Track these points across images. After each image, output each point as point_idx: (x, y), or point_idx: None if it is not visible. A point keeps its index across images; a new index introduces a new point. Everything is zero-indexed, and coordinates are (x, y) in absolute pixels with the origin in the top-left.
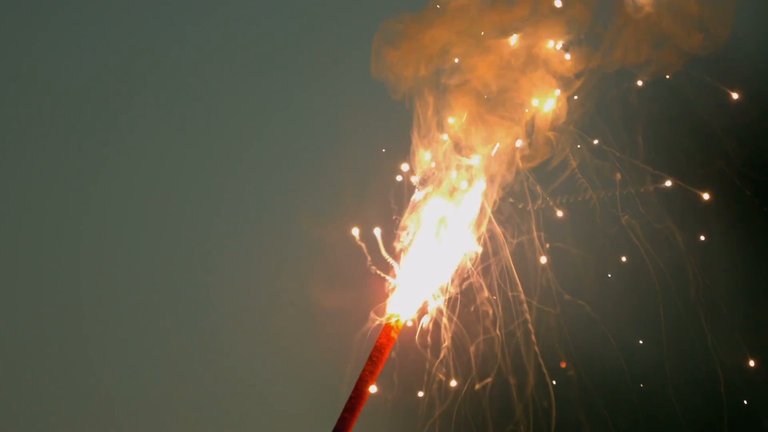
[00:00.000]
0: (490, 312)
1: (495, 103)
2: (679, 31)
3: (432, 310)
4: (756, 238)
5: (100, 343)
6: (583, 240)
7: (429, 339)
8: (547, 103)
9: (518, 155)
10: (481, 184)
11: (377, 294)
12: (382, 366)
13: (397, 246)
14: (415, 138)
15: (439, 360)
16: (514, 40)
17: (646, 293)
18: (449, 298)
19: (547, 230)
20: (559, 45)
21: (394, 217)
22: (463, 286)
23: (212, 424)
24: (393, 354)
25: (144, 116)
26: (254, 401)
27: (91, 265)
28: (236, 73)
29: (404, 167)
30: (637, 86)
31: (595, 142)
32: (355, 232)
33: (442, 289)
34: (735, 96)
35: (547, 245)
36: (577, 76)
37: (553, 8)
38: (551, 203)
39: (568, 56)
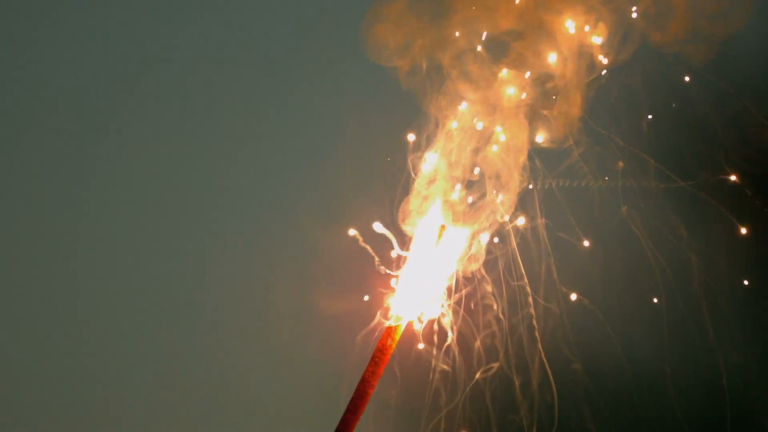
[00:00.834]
0: (495, 306)
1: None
2: (700, 16)
3: (434, 310)
4: (757, 237)
5: (104, 347)
6: (585, 230)
7: (434, 338)
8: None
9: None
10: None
11: (380, 295)
12: (385, 367)
13: (398, 247)
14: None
15: (441, 356)
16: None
17: (646, 291)
18: (452, 297)
19: (551, 219)
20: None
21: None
22: (466, 285)
23: (212, 425)
24: (396, 354)
25: (142, 117)
26: (255, 402)
27: (95, 269)
28: (236, 74)
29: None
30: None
31: (614, 137)
32: (352, 232)
33: (444, 289)
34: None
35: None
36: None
37: None
38: (554, 186)
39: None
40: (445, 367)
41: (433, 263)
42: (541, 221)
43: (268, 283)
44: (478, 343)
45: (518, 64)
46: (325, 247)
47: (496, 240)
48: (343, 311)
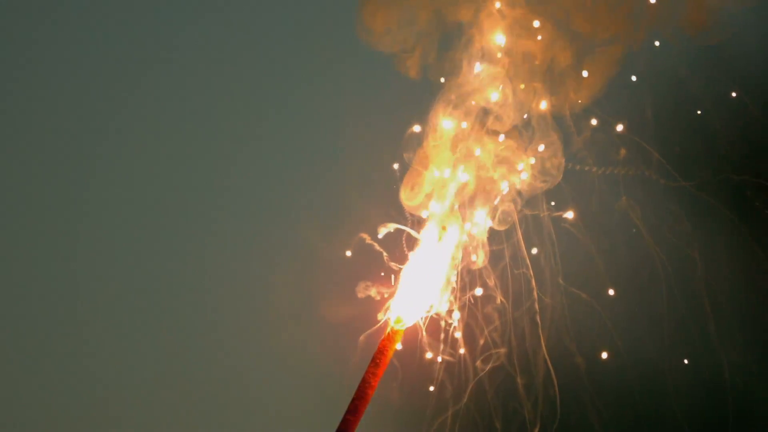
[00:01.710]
0: (498, 300)
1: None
2: None
3: (435, 309)
4: (757, 238)
5: (104, 347)
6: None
7: (434, 336)
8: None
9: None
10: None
11: (381, 295)
12: (385, 368)
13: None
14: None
15: (444, 356)
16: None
17: (647, 287)
18: (455, 294)
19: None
20: None
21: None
22: (469, 281)
23: (213, 425)
24: (398, 354)
25: (142, 117)
26: (255, 402)
27: (95, 269)
28: (236, 74)
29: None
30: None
31: (620, 127)
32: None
33: (445, 289)
34: (734, 94)
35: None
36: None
37: None
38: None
39: None
40: (449, 358)
41: (435, 263)
42: (545, 213)
43: (268, 284)
44: (481, 341)
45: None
46: (325, 247)
47: (501, 229)
48: (343, 311)
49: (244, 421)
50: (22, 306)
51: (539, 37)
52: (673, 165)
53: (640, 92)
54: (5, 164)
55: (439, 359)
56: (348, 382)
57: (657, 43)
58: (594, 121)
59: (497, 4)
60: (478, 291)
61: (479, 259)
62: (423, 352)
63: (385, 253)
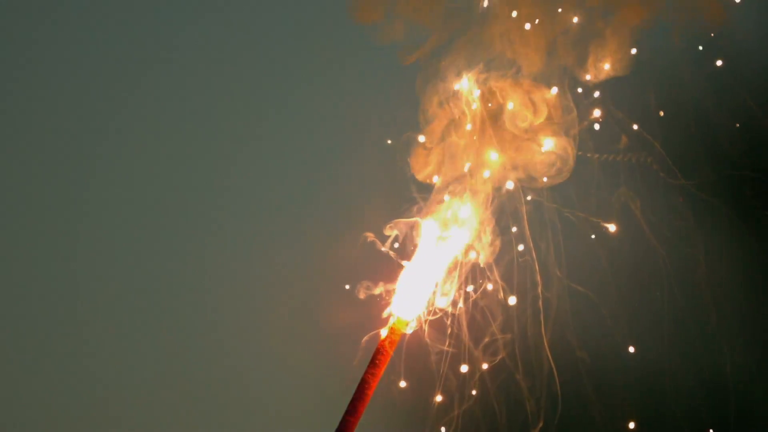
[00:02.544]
0: (500, 295)
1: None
2: None
3: (436, 307)
4: (757, 238)
5: (104, 347)
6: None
7: (434, 335)
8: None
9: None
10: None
11: (382, 295)
12: (384, 368)
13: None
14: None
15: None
16: None
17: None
18: (456, 292)
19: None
20: None
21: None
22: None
23: (213, 425)
24: (401, 354)
25: (142, 117)
26: (255, 403)
27: (95, 269)
28: (236, 74)
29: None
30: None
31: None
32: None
33: (446, 288)
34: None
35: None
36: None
37: None
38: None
39: None
40: (447, 348)
41: (434, 262)
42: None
43: (268, 284)
44: (486, 338)
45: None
46: (325, 246)
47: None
48: (343, 311)
49: (244, 421)
50: (22, 306)
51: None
52: (674, 162)
53: (643, 86)
54: (5, 164)
55: (445, 348)
56: (348, 382)
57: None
58: (597, 112)
59: None
60: (470, 289)
61: (482, 253)
62: (425, 349)
63: (390, 252)
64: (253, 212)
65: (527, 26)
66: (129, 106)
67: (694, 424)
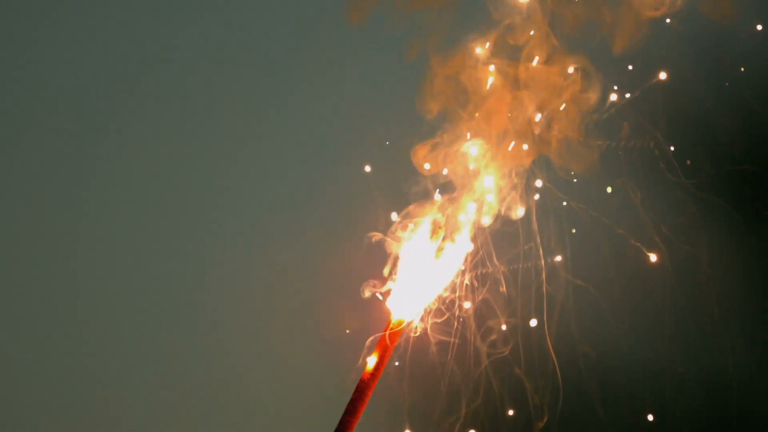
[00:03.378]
0: (502, 288)
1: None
2: None
3: (435, 309)
4: (758, 238)
5: (104, 347)
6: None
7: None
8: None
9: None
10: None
11: (384, 296)
12: (383, 368)
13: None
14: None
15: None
16: None
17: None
18: (456, 292)
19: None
20: None
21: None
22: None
23: (213, 425)
24: (403, 354)
25: (142, 117)
26: (256, 403)
27: (95, 269)
28: (237, 74)
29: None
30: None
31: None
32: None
33: (445, 287)
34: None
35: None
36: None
37: None
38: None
39: None
40: (447, 338)
41: (433, 260)
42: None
43: (268, 284)
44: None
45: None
46: (326, 246)
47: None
48: (344, 312)
49: (244, 421)
50: (22, 306)
51: None
52: (674, 156)
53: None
54: (5, 164)
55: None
56: (348, 382)
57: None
58: (614, 96)
59: None
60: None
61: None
62: (425, 347)
63: (392, 252)
64: (253, 212)
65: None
66: (129, 106)
67: (694, 424)
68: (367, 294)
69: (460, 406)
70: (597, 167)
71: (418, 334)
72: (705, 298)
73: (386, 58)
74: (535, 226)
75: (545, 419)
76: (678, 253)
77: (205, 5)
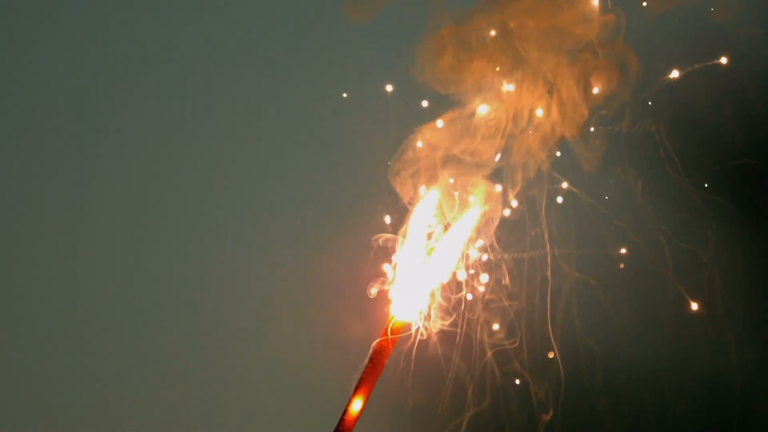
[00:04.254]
0: (504, 280)
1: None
2: None
3: (435, 310)
4: (758, 237)
5: (104, 347)
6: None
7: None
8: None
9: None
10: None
11: (382, 294)
12: (382, 368)
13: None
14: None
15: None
16: None
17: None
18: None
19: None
20: None
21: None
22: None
23: (213, 425)
24: (403, 353)
25: (142, 117)
26: (256, 403)
27: (95, 269)
28: (237, 74)
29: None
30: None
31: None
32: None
33: (444, 287)
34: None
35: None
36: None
37: None
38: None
39: None
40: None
41: (433, 259)
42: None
43: (268, 284)
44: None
45: None
46: (326, 246)
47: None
48: (344, 312)
49: (243, 421)
50: (22, 306)
51: None
52: (674, 152)
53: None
54: (5, 164)
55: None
56: (348, 382)
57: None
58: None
59: None
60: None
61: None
62: (429, 343)
63: (394, 250)
64: (253, 212)
65: None
66: (129, 106)
67: (694, 424)
68: (374, 292)
69: (465, 400)
70: (601, 156)
71: (420, 329)
72: (706, 298)
73: (386, 57)
74: (543, 219)
75: (551, 412)
76: (679, 250)
77: (205, 5)
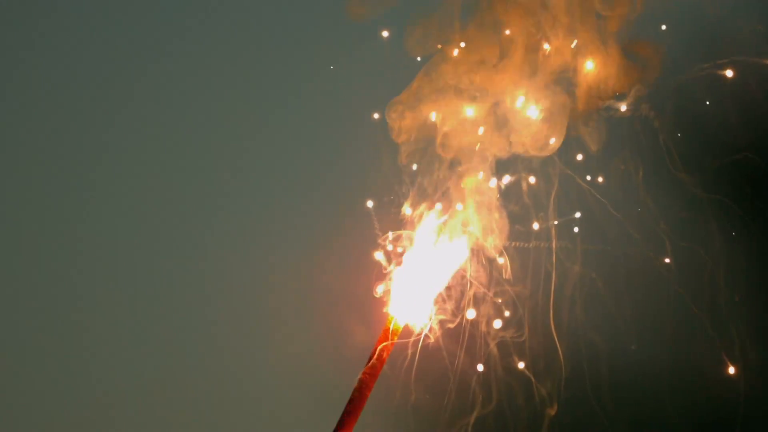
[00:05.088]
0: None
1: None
2: None
3: (435, 309)
4: (759, 235)
5: (104, 347)
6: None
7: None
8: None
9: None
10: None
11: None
12: (381, 368)
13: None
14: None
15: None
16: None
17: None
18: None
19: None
20: None
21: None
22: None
23: (212, 425)
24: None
25: (142, 119)
26: (256, 403)
27: (95, 269)
28: (237, 74)
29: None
30: None
31: None
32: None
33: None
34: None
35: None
36: None
37: None
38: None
39: None
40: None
41: (434, 259)
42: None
43: (268, 284)
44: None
45: None
46: (326, 246)
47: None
48: (344, 311)
49: (243, 421)
50: (22, 306)
51: None
52: (674, 147)
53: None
54: (5, 164)
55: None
56: (348, 382)
57: (663, 27)
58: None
59: None
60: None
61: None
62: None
63: (397, 249)
64: (253, 212)
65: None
66: (129, 106)
67: (694, 424)
68: (380, 291)
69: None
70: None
71: (424, 328)
72: (707, 297)
73: (386, 57)
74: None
75: (555, 407)
76: (680, 248)
77: (205, 5)
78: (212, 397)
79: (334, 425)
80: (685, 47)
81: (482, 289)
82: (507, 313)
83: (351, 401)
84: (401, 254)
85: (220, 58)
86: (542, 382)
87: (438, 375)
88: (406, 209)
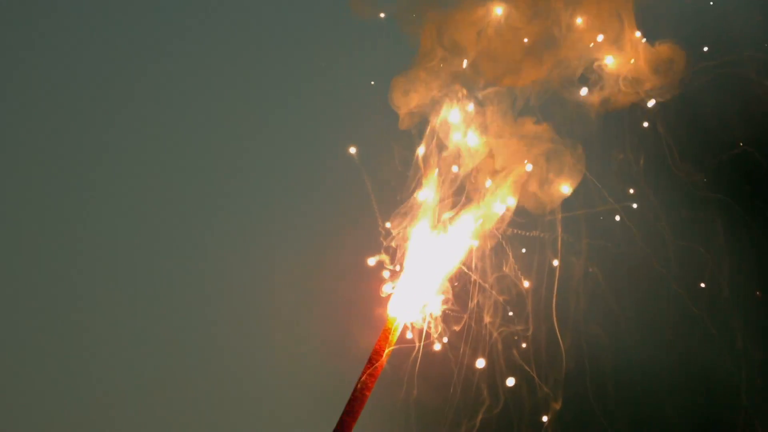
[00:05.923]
0: (505, 268)
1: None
2: None
3: (436, 309)
4: (756, 239)
5: (103, 347)
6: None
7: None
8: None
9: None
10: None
11: (379, 293)
12: (381, 369)
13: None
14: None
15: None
16: None
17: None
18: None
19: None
20: None
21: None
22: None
23: (212, 426)
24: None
25: (142, 119)
26: (256, 403)
27: (95, 269)
28: (237, 74)
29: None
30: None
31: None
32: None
33: (445, 287)
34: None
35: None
36: None
37: None
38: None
39: None
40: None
41: (434, 259)
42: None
43: (268, 284)
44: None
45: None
46: (326, 246)
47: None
48: (344, 311)
49: (243, 422)
50: (22, 306)
51: None
52: (678, 151)
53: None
54: (5, 164)
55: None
56: (348, 382)
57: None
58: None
59: None
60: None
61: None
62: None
63: (397, 249)
64: (253, 213)
65: None
66: (129, 106)
67: (693, 423)
68: (386, 290)
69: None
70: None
71: (426, 327)
72: (708, 296)
73: (386, 57)
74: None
75: (560, 402)
76: (680, 248)
77: (205, 5)
78: (212, 397)
79: (334, 425)
80: (685, 46)
81: (485, 286)
82: (510, 313)
83: (351, 401)
84: (403, 255)
85: (220, 58)
86: (544, 380)
87: (439, 374)
88: (408, 207)
